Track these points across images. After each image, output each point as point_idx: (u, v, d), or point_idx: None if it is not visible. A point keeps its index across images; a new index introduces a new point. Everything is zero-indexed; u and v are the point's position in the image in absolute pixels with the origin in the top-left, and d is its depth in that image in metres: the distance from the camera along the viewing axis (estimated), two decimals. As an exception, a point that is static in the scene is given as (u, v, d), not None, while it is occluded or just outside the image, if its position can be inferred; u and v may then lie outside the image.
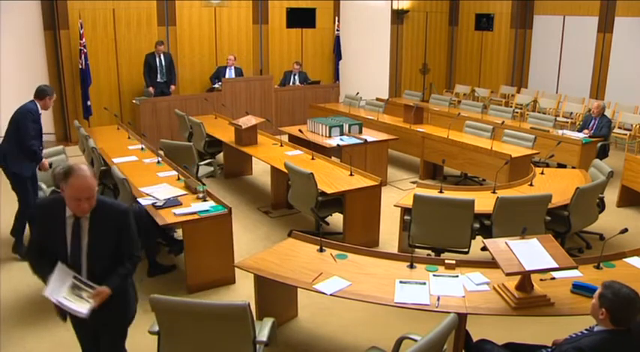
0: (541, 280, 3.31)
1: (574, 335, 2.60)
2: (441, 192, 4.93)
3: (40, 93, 4.95)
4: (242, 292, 4.38)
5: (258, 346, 2.80)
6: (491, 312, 3.05)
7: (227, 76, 9.83)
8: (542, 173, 5.62)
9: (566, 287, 3.23)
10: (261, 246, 5.12)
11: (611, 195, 6.13)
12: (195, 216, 4.35)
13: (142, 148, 6.48)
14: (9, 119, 4.95)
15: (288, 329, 3.95)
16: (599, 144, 7.22)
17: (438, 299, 3.14)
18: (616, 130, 9.11)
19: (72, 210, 2.52)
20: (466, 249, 4.47)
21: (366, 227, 5.25)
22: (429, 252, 4.64)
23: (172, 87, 9.53)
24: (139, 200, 4.71)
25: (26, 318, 4.04)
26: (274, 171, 6.19)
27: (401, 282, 3.32)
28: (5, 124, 4.96)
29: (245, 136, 6.74)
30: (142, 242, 4.69)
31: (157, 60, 9.26)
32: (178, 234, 4.91)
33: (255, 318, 2.78)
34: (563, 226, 4.78)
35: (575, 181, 5.29)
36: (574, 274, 3.35)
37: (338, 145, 6.51)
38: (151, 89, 9.23)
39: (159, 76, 9.32)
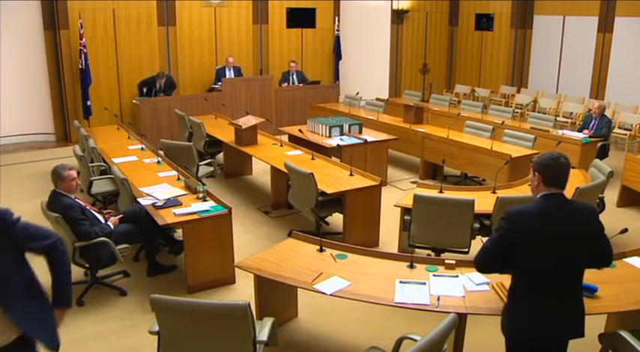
0: (541, 280, 3.31)
1: None
2: (441, 192, 4.93)
3: None
4: (242, 292, 4.38)
5: (258, 346, 2.80)
6: (491, 312, 3.04)
7: (227, 76, 9.82)
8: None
9: (566, 287, 3.22)
10: (261, 246, 5.12)
11: (611, 195, 6.13)
12: (195, 216, 4.35)
13: (142, 148, 6.49)
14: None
15: (288, 329, 3.95)
16: (599, 144, 7.21)
17: (438, 299, 3.14)
18: (616, 130, 9.11)
19: None
20: (466, 249, 4.46)
21: (366, 227, 5.25)
22: (429, 252, 4.63)
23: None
24: (139, 200, 4.71)
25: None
26: (274, 171, 6.19)
27: (401, 282, 3.32)
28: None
29: (245, 136, 6.74)
30: (141, 242, 4.78)
31: (157, 84, 9.20)
32: (178, 234, 4.91)
33: (255, 318, 2.78)
34: (563, 226, 4.77)
35: (575, 181, 5.27)
36: (574, 274, 3.34)
37: (338, 145, 6.51)
38: None
39: (157, 95, 9.24)
